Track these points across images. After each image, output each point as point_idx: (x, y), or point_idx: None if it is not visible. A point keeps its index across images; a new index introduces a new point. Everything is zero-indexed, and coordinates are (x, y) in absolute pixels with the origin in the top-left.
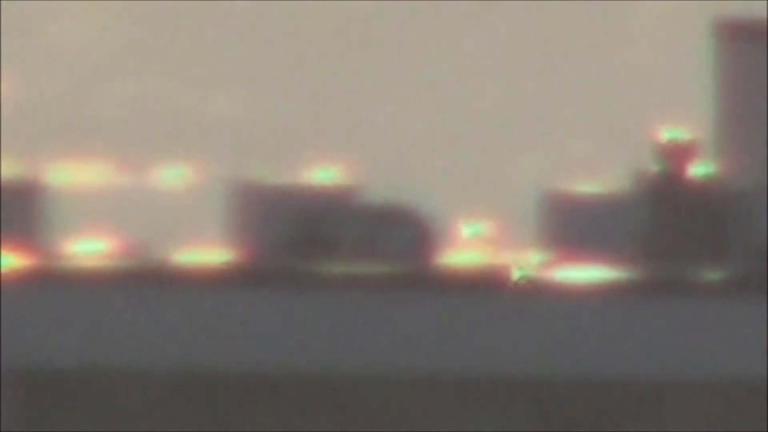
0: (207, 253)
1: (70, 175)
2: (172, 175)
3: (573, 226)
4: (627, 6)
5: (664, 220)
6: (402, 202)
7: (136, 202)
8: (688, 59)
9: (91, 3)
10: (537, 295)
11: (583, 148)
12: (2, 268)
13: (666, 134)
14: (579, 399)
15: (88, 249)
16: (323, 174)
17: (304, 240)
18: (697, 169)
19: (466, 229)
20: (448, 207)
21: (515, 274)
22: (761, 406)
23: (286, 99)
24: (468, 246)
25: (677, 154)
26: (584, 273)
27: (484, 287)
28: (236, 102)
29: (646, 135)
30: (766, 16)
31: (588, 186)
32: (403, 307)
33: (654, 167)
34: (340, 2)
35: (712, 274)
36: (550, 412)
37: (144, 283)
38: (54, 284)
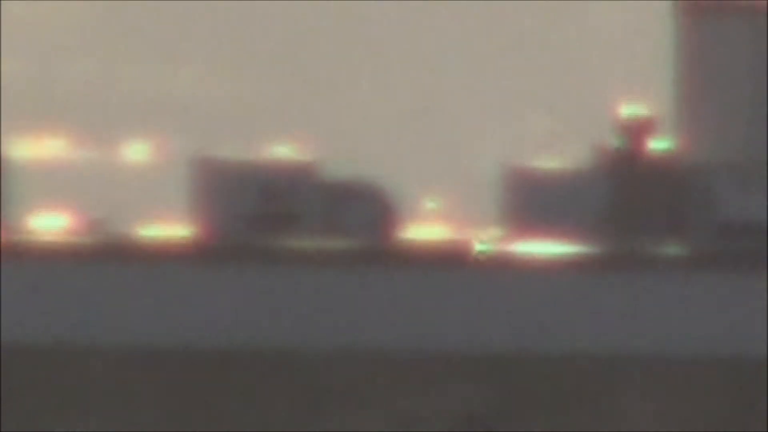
0: (169, 228)
1: (31, 150)
2: (134, 151)
3: (533, 201)
4: None
5: (623, 196)
6: (363, 178)
7: (97, 177)
8: (649, 35)
9: None
10: (498, 269)
11: (543, 124)
12: None
13: (625, 110)
14: (540, 373)
15: (48, 224)
16: (284, 150)
17: (266, 215)
18: (657, 145)
19: (427, 204)
20: (409, 182)
21: (476, 249)
22: (718, 379)
23: (248, 76)
24: (429, 221)
25: (637, 129)
26: (544, 248)
27: (445, 262)
28: (198, 80)
29: (606, 111)
30: None
31: (548, 161)
32: (364, 281)
33: (614, 143)
34: None
35: (672, 249)
36: (511, 385)
37: (105, 259)
38: (14, 259)
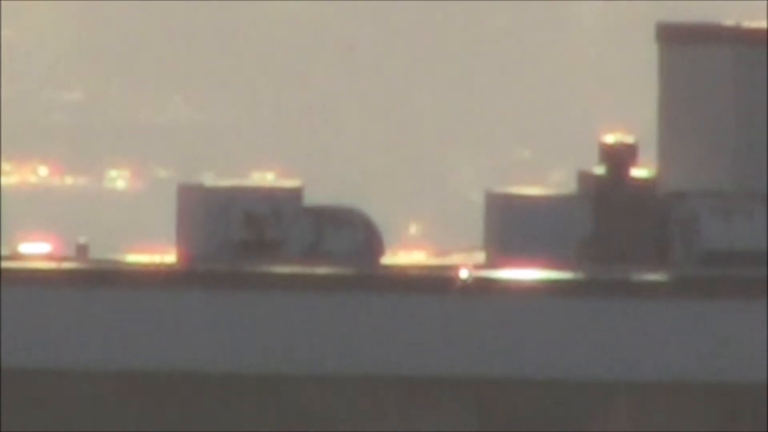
0: (153, 254)
1: (17, 177)
2: (119, 178)
3: (517, 227)
4: (572, 15)
5: (606, 223)
6: (348, 204)
7: (82, 203)
8: (631, 64)
9: (40, 10)
10: (481, 295)
11: (527, 152)
12: None
13: (609, 138)
14: (522, 398)
15: (33, 250)
16: (269, 176)
17: (250, 241)
18: (639, 172)
19: (412, 231)
20: (394, 208)
21: (460, 275)
22: (701, 405)
23: (232, 104)
24: (413, 247)
25: (620, 157)
26: (528, 274)
27: (429, 287)
28: (182, 108)
29: (590, 138)
30: (707, 20)
31: (532, 189)
32: (349, 307)
33: (597, 170)
34: (286, 16)
35: (655, 276)
36: (495, 412)
37: (89, 284)
38: (1, 284)
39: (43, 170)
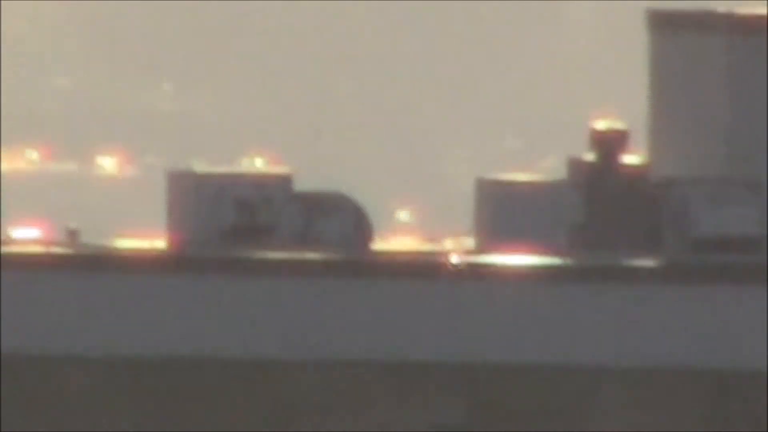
0: (142, 239)
1: (8, 163)
2: (110, 164)
3: (507, 214)
4: (562, 6)
5: (597, 209)
6: (338, 190)
7: (73, 189)
8: (622, 52)
9: (34, 3)
10: (471, 281)
11: (518, 140)
12: None
13: (599, 124)
14: (513, 383)
15: (23, 235)
16: (259, 162)
17: (241, 227)
18: (629, 159)
19: (401, 217)
20: (384, 194)
21: (450, 261)
22: (693, 389)
23: (223, 91)
24: (403, 233)
25: (610, 144)
26: (518, 260)
27: (419, 273)
28: (174, 94)
29: (580, 125)
30: (706, 6)
31: (523, 175)
32: (339, 293)
33: (588, 157)
34: (274, 6)
35: (646, 262)
36: (484, 396)
37: (78, 269)
38: None
39: (33, 155)
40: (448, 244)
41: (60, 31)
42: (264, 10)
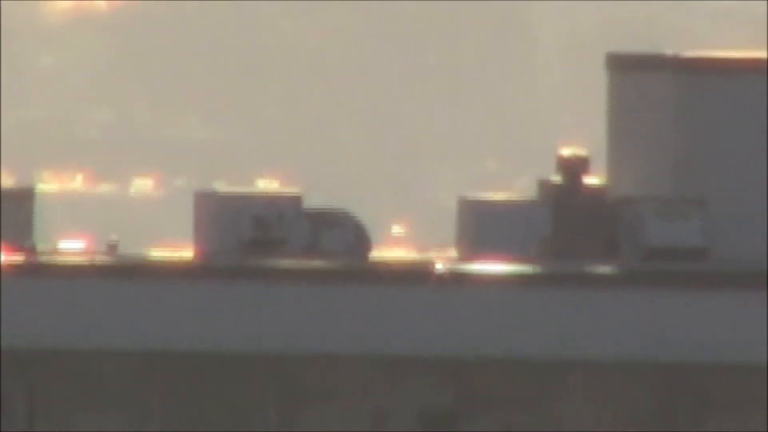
0: (173, 250)
1: (57, 184)
2: (144, 186)
3: (485, 228)
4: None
5: (563, 224)
6: (341, 208)
7: (112, 207)
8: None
9: (76, 41)
10: (455, 286)
11: (495, 163)
12: (2, 263)
13: (565, 151)
14: (491, 375)
15: (70, 246)
16: (273, 184)
17: (257, 240)
18: (591, 180)
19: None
20: (380, 212)
21: (436, 268)
22: (645, 380)
23: (242, 122)
24: (396, 245)
25: (575, 167)
26: (495, 268)
27: (410, 279)
28: (199, 125)
29: (549, 152)
30: (658, 50)
31: (499, 195)
32: (341, 296)
33: (555, 179)
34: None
35: (605, 269)
36: (468, 385)
37: (118, 276)
38: (43, 276)
39: (78, 178)
40: (434, 254)
41: (102, 71)
42: (276, 55)
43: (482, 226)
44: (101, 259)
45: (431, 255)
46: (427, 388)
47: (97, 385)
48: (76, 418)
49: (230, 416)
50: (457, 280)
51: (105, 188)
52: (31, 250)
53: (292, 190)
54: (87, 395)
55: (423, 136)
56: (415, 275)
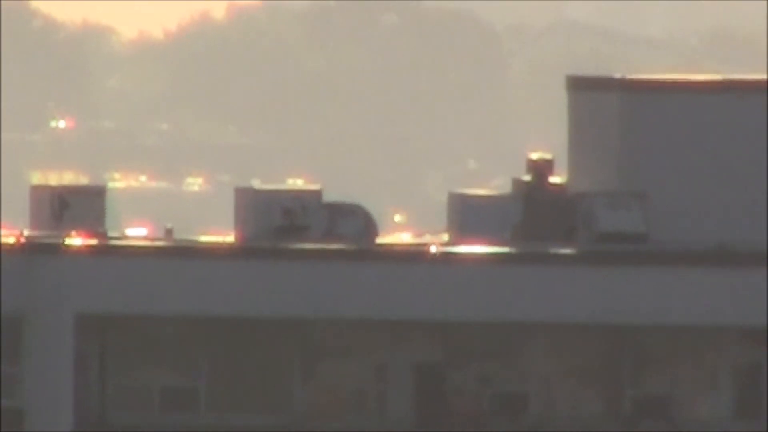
0: (218, 235)
1: (124, 182)
2: (193, 183)
3: (470, 217)
4: (508, 72)
5: (532, 214)
6: (353, 201)
7: (169, 201)
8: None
9: (139, 65)
10: (446, 263)
11: (476, 164)
12: (80, 245)
13: (534, 155)
14: (475, 334)
15: (135, 233)
16: (298, 181)
17: (285, 227)
18: (555, 179)
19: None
20: (384, 204)
21: (431, 250)
22: (598, 340)
23: (273, 131)
24: (398, 230)
25: (542, 169)
26: (477, 249)
27: (410, 259)
28: (238, 133)
29: (520, 155)
30: (607, 74)
31: (480, 191)
32: (354, 272)
33: (526, 178)
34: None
35: (565, 250)
36: (454, 344)
37: (174, 256)
38: (113, 256)
39: (142, 177)
40: (429, 238)
41: (160, 91)
42: (300, 75)
43: (467, 215)
44: (160, 242)
45: (426, 239)
46: (421, 346)
47: (156, 345)
48: (139, 374)
49: (263, 369)
50: (447, 259)
51: (162, 185)
52: (103, 235)
53: (313, 186)
54: (148, 354)
55: (418, 143)
56: (413, 255)
